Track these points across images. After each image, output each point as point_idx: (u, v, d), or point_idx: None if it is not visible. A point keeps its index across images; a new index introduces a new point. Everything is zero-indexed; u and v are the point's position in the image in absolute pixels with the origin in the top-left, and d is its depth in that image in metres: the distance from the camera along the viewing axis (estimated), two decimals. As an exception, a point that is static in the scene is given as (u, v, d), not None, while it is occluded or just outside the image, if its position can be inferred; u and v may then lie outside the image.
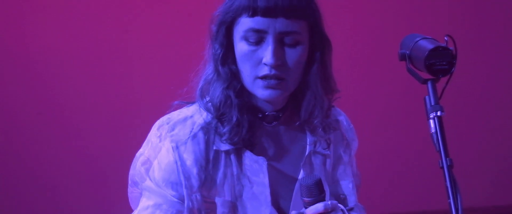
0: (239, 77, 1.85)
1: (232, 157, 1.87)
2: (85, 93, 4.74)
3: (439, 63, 1.61)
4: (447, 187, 1.55)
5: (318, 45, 1.86)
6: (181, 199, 1.85)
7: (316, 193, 1.78)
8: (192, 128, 1.86)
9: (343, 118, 2.05)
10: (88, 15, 4.71)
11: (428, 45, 1.63)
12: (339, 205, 1.82)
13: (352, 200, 2.02)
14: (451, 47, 1.64)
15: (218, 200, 1.85)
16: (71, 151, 4.76)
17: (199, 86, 1.89)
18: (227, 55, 1.85)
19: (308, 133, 1.91)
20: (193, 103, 1.93)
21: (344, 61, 5.04)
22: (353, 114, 5.37)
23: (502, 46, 5.24)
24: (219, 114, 1.85)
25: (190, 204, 1.85)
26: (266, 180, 1.86)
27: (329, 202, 1.78)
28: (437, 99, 1.63)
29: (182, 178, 1.85)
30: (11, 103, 4.70)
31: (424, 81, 1.65)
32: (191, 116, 1.89)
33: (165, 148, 1.86)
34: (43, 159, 4.77)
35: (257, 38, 1.79)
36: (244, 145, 1.86)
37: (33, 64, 4.68)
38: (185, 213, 1.86)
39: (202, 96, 1.89)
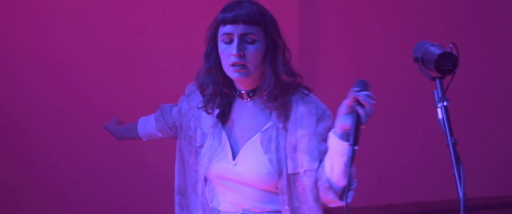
0: (217, 67, 2.72)
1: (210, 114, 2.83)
2: (101, 91, 4.93)
3: (445, 65, 2.15)
4: (452, 160, 2.07)
5: (271, 45, 2.68)
6: (168, 120, 2.96)
7: (366, 86, 2.48)
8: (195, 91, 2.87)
9: (312, 106, 2.76)
10: (102, 17, 4.92)
11: (436, 50, 2.17)
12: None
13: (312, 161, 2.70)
14: (454, 52, 2.17)
15: (198, 131, 2.80)
16: (86, 148, 4.95)
17: (196, 73, 2.81)
18: (211, 55, 2.74)
19: (269, 111, 2.71)
20: None
21: (352, 63, 5.42)
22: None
23: (492, 47, 5.59)
24: (201, 89, 2.78)
25: (178, 122, 2.91)
26: (211, 122, 2.79)
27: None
28: (444, 92, 2.17)
29: (177, 110, 2.93)
30: (31, 100, 4.89)
31: (433, 78, 2.19)
32: None
33: (185, 94, 2.93)
34: (59, 155, 4.96)
35: (228, 39, 2.66)
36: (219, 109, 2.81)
37: (49, 63, 4.87)
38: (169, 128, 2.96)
39: (196, 79, 2.81)
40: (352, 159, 2.40)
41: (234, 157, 2.74)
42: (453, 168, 2.06)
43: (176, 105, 2.99)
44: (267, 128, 2.71)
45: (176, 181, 2.94)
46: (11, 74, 4.84)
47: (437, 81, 2.18)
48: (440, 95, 2.16)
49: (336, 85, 5.35)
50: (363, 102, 2.44)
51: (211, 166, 2.76)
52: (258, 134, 2.71)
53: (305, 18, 5.30)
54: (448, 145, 2.10)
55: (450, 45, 2.15)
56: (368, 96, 2.45)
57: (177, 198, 2.95)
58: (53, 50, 4.89)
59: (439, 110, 2.15)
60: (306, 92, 2.77)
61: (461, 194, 2.03)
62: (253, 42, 2.66)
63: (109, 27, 4.97)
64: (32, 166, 4.95)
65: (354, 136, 2.43)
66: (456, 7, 5.55)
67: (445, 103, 2.15)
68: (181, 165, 2.91)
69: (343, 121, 2.50)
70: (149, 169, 5.00)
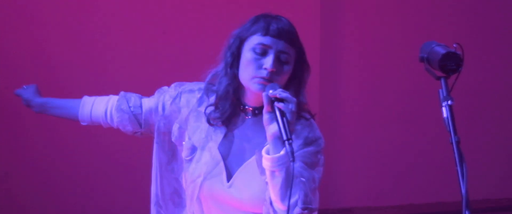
0: (238, 79, 2.57)
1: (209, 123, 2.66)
2: (126, 90, 5.00)
3: (449, 64, 2.20)
4: (455, 158, 2.12)
5: (299, 69, 2.58)
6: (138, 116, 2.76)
7: (275, 86, 2.44)
8: (195, 93, 2.71)
9: (306, 130, 2.63)
10: (127, 16, 4.96)
11: (441, 50, 2.22)
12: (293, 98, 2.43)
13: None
14: (459, 52, 2.22)
15: (186, 142, 2.65)
16: (109, 149, 4.96)
17: (209, 75, 2.66)
18: (234, 62, 2.59)
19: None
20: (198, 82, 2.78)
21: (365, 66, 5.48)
22: (367, 113, 5.69)
23: (501, 47, 5.62)
24: (217, 102, 2.60)
25: (151, 121, 2.72)
26: (220, 139, 2.63)
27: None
28: (448, 91, 2.22)
29: (152, 108, 2.73)
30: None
31: (438, 78, 2.25)
32: (198, 89, 2.71)
33: (167, 89, 2.75)
34: (79, 157, 4.99)
35: (263, 51, 2.53)
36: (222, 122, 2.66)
37: (70, 63, 4.90)
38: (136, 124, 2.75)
39: (209, 83, 2.65)
40: (293, 154, 2.30)
41: (228, 177, 2.61)
42: (456, 165, 2.11)
43: (143, 97, 2.80)
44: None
45: (153, 190, 2.78)
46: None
47: (442, 81, 2.23)
48: (445, 94, 2.21)
49: (357, 84, 5.46)
50: (281, 96, 2.39)
51: (203, 185, 2.62)
52: (255, 156, 2.55)
53: (326, 19, 5.36)
54: (452, 143, 2.15)
55: (454, 45, 2.20)
56: (282, 91, 2.41)
57: (154, 211, 2.79)
58: (77, 50, 4.94)
59: (443, 108, 2.20)
60: (308, 116, 2.64)
61: (463, 191, 2.08)
62: (286, 62, 2.55)
63: (134, 27, 5.01)
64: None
65: (285, 131, 2.34)
66: (476, 11, 5.59)
67: (449, 102, 2.20)
68: (159, 172, 2.77)
69: (271, 130, 2.41)
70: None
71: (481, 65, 5.54)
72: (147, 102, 2.78)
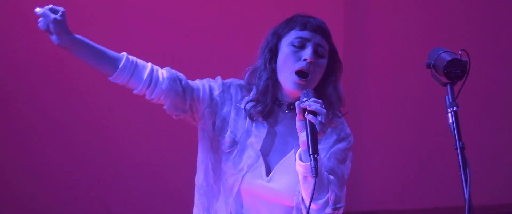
0: (276, 74, 2.71)
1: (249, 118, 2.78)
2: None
3: (454, 71, 2.24)
4: (459, 163, 2.16)
5: (333, 66, 2.75)
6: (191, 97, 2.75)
7: (310, 94, 2.56)
8: (237, 89, 2.81)
9: (338, 127, 2.80)
10: (150, 19, 5.03)
11: (447, 57, 2.26)
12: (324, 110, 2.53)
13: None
14: (465, 59, 2.26)
15: (228, 135, 2.74)
16: (137, 148, 4.87)
17: (248, 73, 2.79)
18: (272, 58, 2.74)
19: None
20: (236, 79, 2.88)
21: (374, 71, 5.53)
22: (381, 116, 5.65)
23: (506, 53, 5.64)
24: (258, 96, 2.73)
25: (196, 106, 2.74)
26: (263, 135, 2.74)
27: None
28: (454, 98, 2.27)
29: (200, 94, 2.76)
30: (85, 100, 5.02)
31: (444, 84, 2.29)
32: (238, 85, 2.82)
33: (214, 81, 2.82)
34: (110, 153, 5.00)
35: (301, 44, 2.69)
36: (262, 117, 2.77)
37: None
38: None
39: (249, 79, 2.78)
40: (316, 169, 2.43)
41: (267, 171, 2.73)
42: (460, 171, 2.15)
43: (188, 80, 2.79)
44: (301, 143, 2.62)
45: (197, 177, 2.85)
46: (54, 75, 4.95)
47: (448, 87, 2.27)
48: (450, 101, 2.25)
49: (381, 86, 5.51)
50: (311, 109, 2.50)
51: (244, 180, 2.73)
52: (293, 150, 2.68)
53: (350, 23, 5.40)
54: (456, 148, 2.19)
55: (460, 52, 2.24)
56: (313, 101, 2.51)
57: (197, 196, 2.84)
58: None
59: (449, 115, 2.24)
60: (339, 114, 2.79)
61: (466, 196, 2.12)
62: (322, 56, 2.71)
63: (157, 29, 5.07)
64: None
65: (312, 146, 2.46)
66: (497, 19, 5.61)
67: (455, 108, 2.24)
68: (202, 159, 2.82)
69: (302, 137, 2.52)
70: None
71: (489, 70, 5.57)
72: (197, 89, 2.77)
